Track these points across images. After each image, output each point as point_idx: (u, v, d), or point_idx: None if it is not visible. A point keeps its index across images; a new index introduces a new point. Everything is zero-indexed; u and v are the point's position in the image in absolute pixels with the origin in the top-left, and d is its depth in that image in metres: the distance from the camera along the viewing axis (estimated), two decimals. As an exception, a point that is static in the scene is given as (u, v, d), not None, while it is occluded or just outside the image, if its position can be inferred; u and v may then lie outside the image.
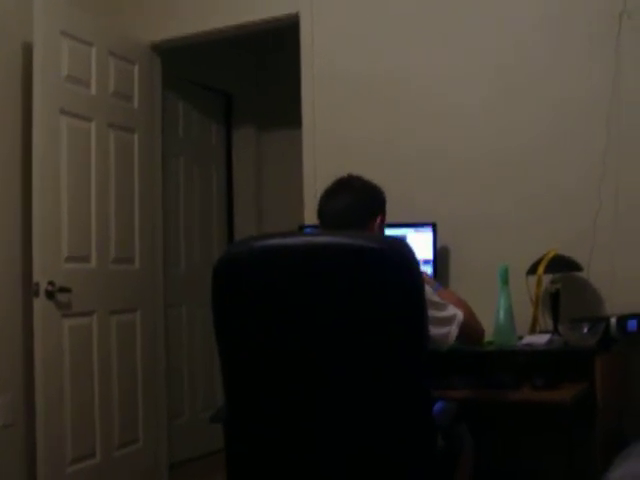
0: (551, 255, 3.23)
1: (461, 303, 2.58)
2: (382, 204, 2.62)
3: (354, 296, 2.08)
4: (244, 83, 5.75)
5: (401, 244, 2.14)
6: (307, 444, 2.19)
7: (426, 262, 3.47)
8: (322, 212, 2.56)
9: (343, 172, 2.66)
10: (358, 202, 2.53)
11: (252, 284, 2.14)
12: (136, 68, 4.44)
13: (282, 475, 2.24)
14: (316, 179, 3.87)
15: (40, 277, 3.72)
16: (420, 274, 2.14)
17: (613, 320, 2.94)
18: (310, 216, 2.69)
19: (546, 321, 3.36)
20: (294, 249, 2.15)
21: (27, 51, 3.92)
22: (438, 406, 2.20)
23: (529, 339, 3.15)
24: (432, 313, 2.26)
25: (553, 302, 3.25)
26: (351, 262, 2.08)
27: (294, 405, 2.18)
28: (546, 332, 3.23)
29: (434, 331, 2.29)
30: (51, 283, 3.74)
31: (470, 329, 2.52)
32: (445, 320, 2.41)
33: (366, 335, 2.09)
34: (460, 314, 2.46)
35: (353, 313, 2.09)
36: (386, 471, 2.14)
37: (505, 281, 3.17)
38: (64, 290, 3.80)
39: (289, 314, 2.14)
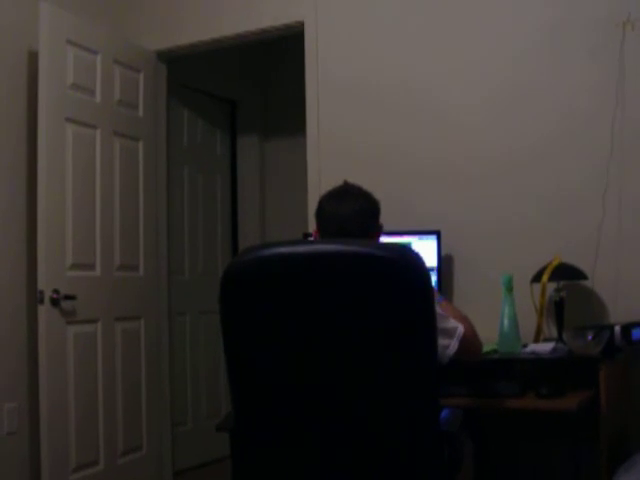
0: (555, 263, 3.23)
1: (462, 317, 2.58)
2: (379, 214, 2.61)
3: (364, 304, 2.08)
4: (248, 90, 5.76)
5: (411, 252, 2.13)
6: (315, 452, 2.19)
7: (430, 270, 3.46)
8: (326, 215, 2.53)
9: (346, 180, 2.66)
10: (363, 209, 2.52)
11: (261, 292, 2.14)
12: (141, 76, 4.46)
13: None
14: (320, 187, 3.86)
15: (45, 285, 3.73)
16: (431, 282, 2.14)
17: (617, 328, 2.93)
18: (314, 223, 2.69)
19: (550, 329, 3.36)
20: (304, 257, 2.14)
21: (32, 59, 3.94)
22: (444, 413, 2.20)
23: (533, 347, 3.15)
24: None
25: (557, 310, 3.25)
26: (361, 270, 2.08)
27: (303, 413, 2.18)
28: (550, 340, 3.23)
29: None
30: (56, 291, 3.75)
31: (469, 344, 2.51)
32: (446, 332, 2.40)
33: (376, 343, 2.09)
34: (461, 328, 2.45)
35: (363, 321, 2.09)
36: (395, 478, 2.14)
37: (509, 289, 3.17)
38: (69, 298, 3.81)
39: (299, 322, 2.13)
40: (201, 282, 5.23)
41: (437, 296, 2.65)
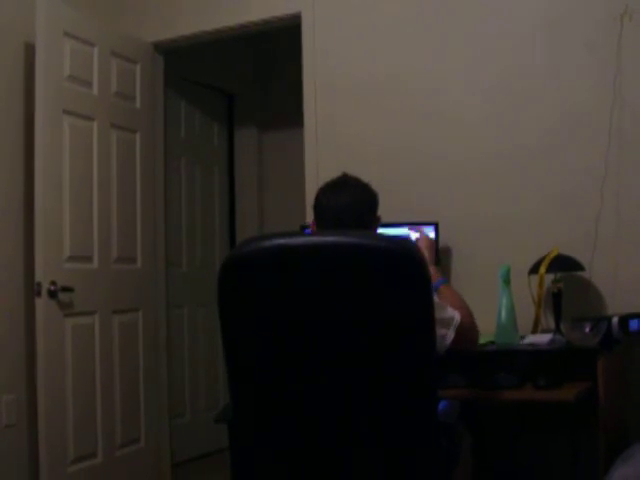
0: (553, 255, 3.23)
1: (460, 303, 2.57)
2: (377, 206, 2.61)
3: (362, 295, 2.08)
4: (246, 83, 5.75)
5: (409, 244, 2.14)
6: (313, 443, 2.20)
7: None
8: (323, 207, 2.53)
9: (345, 172, 2.66)
10: (359, 200, 2.52)
11: (260, 283, 2.14)
12: (138, 68, 4.44)
13: (288, 474, 2.24)
14: (318, 179, 3.85)
15: (42, 277, 3.73)
16: (428, 275, 2.14)
17: (615, 320, 2.94)
18: (312, 216, 2.70)
19: (548, 321, 3.36)
20: (302, 249, 2.14)
21: (29, 52, 3.93)
22: (442, 405, 2.21)
23: (531, 339, 3.16)
24: None
25: (555, 302, 3.25)
26: (360, 261, 2.08)
27: (301, 405, 2.18)
28: (548, 332, 3.23)
29: None
30: (53, 283, 3.75)
31: (466, 332, 2.50)
32: (443, 322, 2.40)
33: (374, 334, 2.09)
34: (457, 317, 2.45)
35: (361, 312, 2.09)
36: (392, 470, 2.15)
37: (507, 281, 3.18)
38: (66, 290, 3.80)
39: (297, 314, 2.14)
40: (199, 274, 5.23)
41: (439, 277, 2.65)
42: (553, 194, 3.49)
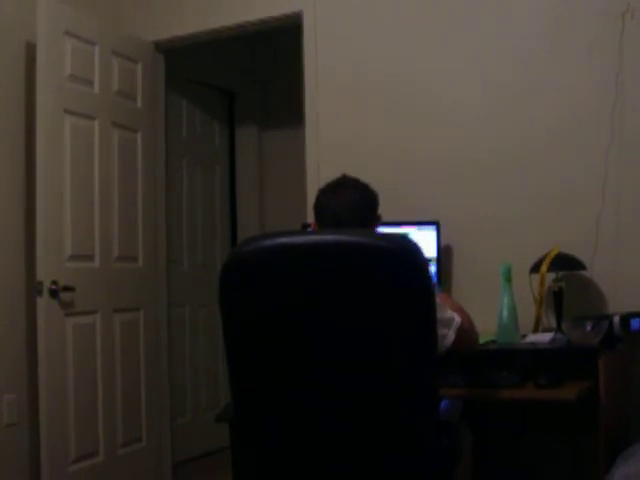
0: (554, 253, 3.23)
1: (459, 308, 2.58)
2: (377, 205, 2.62)
3: (364, 295, 2.08)
4: (247, 82, 5.75)
5: (411, 242, 2.13)
6: (315, 442, 2.19)
7: (429, 261, 3.46)
8: (323, 207, 2.54)
9: (346, 171, 2.66)
10: (358, 200, 2.53)
11: (261, 282, 2.14)
12: (139, 67, 4.44)
13: (290, 473, 2.24)
14: (319, 178, 3.86)
15: (43, 276, 3.73)
16: (429, 273, 2.14)
17: (616, 318, 2.94)
18: (312, 214, 2.71)
19: (549, 320, 3.36)
20: (303, 247, 2.14)
21: (30, 51, 3.93)
22: (444, 404, 2.21)
23: (532, 338, 3.16)
24: None
25: (556, 300, 3.25)
26: (362, 261, 2.08)
27: (303, 403, 2.18)
28: (549, 331, 3.23)
29: None
30: (54, 282, 3.75)
31: (466, 335, 2.52)
32: (443, 322, 2.41)
33: (377, 334, 2.09)
34: (458, 318, 2.46)
35: (363, 312, 2.09)
36: (393, 469, 2.15)
37: (508, 279, 3.17)
38: (67, 289, 3.81)
39: (299, 313, 2.14)
40: (200, 273, 5.23)
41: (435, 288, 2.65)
42: (554, 193, 3.48)
